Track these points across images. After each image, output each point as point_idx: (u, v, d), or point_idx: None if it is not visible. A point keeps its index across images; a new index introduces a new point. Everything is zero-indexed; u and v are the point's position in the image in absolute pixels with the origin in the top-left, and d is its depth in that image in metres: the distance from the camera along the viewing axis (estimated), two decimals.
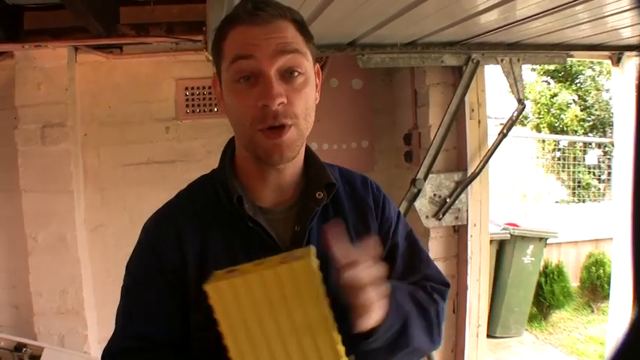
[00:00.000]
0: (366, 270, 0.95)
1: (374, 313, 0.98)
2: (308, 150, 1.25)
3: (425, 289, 1.27)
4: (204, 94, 3.86)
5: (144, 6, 3.59)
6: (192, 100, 3.84)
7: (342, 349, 0.98)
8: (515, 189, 8.06)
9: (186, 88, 3.82)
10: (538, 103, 9.67)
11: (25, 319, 3.69)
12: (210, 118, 3.87)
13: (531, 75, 9.75)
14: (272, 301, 0.94)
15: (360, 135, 3.76)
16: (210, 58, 2.96)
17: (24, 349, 2.81)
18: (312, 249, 0.98)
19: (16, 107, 3.56)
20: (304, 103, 1.09)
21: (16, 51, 3.56)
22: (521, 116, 3.61)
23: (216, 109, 3.85)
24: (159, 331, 1.18)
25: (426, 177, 3.37)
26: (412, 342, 1.15)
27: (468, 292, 3.54)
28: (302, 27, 1.12)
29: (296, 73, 1.08)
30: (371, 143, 3.87)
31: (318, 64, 1.19)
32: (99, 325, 3.77)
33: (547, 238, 5.48)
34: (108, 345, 1.24)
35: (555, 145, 8.78)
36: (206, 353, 1.15)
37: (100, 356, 1.24)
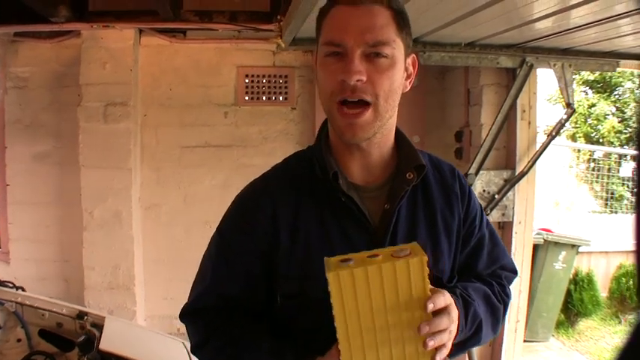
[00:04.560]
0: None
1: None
2: (399, 133, 1.30)
3: (500, 281, 1.38)
4: (263, 82, 3.96)
5: None
6: (252, 87, 3.94)
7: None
8: (548, 196, 8.05)
9: (247, 76, 3.93)
10: (575, 112, 9.61)
11: (75, 293, 3.79)
12: (268, 106, 3.98)
13: None
14: (384, 292, 1.02)
15: (412, 130, 3.82)
16: (283, 45, 3.05)
17: (85, 317, 2.89)
18: (418, 246, 1.06)
19: (80, 85, 3.67)
20: (387, 84, 1.14)
21: (83, 30, 3.66)
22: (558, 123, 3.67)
23: (274, 98, 3.96)
24: (244, 295, 1.25)
25: (477, 173, 3.45)
26: (481, 341, 1.27)
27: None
28: (398, 15, 1.16)
29: (381, 56, 1.13)
30: (422, 139, 3.95)
31: (414, 55, 1.24)
32: (147, 301, 3.87)
33: (579, 246, 5.48)
34: (190, 302, 1.31)
35: (590, 155, 8.75)
36: (290, 319, 1.23)
37: None
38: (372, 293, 1.02)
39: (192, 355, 2.04)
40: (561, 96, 3.58)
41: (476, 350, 3.56)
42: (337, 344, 1.05)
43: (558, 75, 3.49)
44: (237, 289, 1.25)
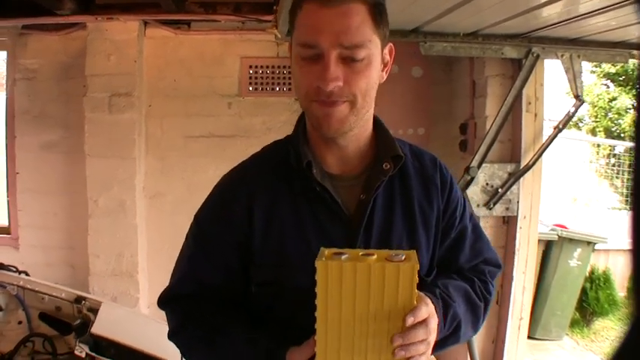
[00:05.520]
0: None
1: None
2: (378, 122, 1.29)
3: (483, 277, 1.37)
4: (267, 72, 3.97)
5: None
6: (256, 78, 3.96)
7: None
8: (566, 192, 7.90)
9: (250, 66, 3.94)
10: (596, 106, 9.41)
11: (81, 279, 3.86)
12: (272, 97, 3.98)
13: (590, 77, 9.47)
14: (369, 291, 1.02)
15: (417, 122, 3.80)
16: (279, 36, 3.05)
17: (83, 301, 2.95)
18: (415, 254, 1.06)
19: (86, 76, 3.73)
20: (364, 84, 1.12)
21: (88, 23, 3.72)
22: (576, 117, 3.59)
23: (277, 89, 3.97)
24: (221, 282, 1.26)
25: (479, 166, 3.39)
26: (461, 339, 1.27)
27: (513, 283, 3.54)
28: (375, 9, 1.12)
29: (357, 59, 1.10)
30: (427, 131, 3.91)
31: (391, 44, 1.21)
32: (150, 289, 3.92)
33: (595, 243, 5.36)
34: (168, 289, 1.33)
35: (611, 150, 8.54)
36: (266, 308, 1.24)
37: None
38: (358, 290, 1.02)
39: None
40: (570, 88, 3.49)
41: (477, 348, 3.51)
42: (314, 335, 1.05)
43: (566, 66, 3.39)
44: (215, 277, 1.27)
